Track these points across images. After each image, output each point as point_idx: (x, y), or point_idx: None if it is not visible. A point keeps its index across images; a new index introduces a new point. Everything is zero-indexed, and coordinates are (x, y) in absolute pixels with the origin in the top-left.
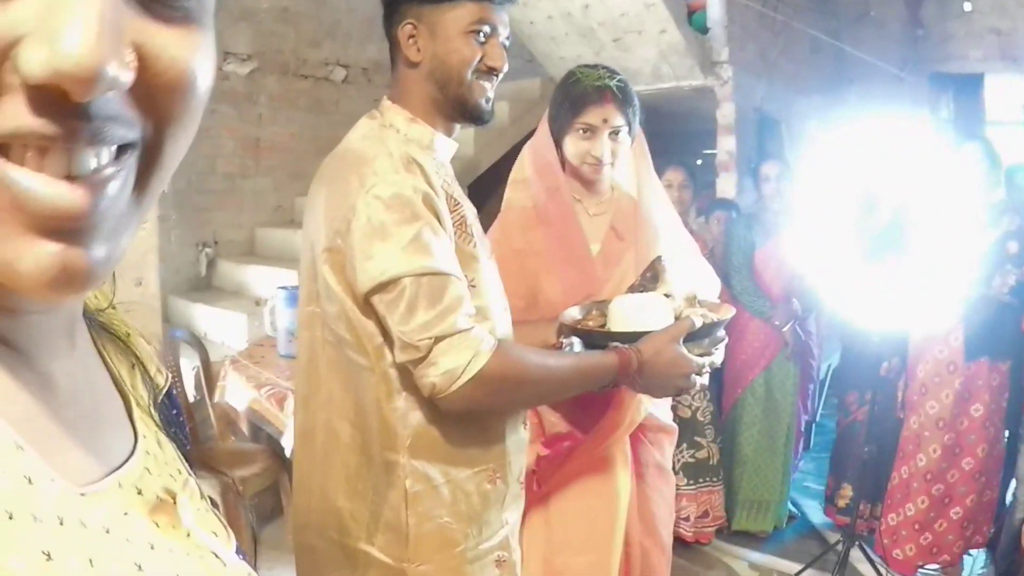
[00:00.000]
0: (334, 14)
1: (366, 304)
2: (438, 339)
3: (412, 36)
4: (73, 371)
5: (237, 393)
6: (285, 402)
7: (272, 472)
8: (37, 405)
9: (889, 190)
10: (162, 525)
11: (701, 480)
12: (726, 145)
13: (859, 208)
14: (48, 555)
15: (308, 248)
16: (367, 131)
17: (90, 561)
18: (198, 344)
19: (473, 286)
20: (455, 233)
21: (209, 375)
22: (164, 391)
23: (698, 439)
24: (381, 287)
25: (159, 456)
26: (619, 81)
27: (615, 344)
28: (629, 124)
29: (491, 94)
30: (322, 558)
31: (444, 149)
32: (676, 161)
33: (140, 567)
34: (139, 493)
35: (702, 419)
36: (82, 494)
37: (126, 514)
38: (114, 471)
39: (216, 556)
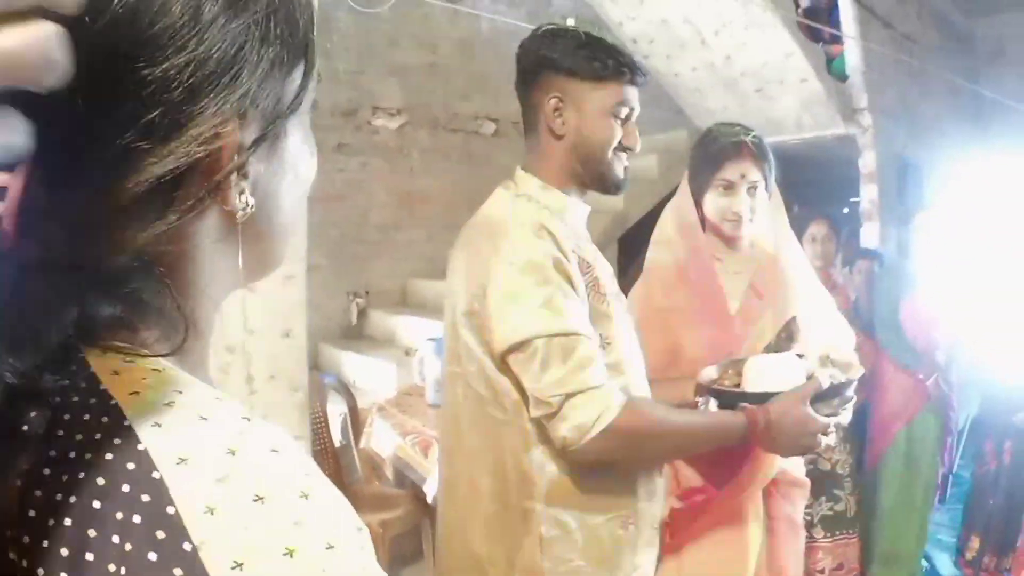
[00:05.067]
0: (482, 67)
1: (503, 363)
2: (569, 395)
3: (558, 109)
4: None
5: (383, 439)
6: (430, 449)
7: (414, 516)
8: None
9: None
10: None
11: (838, 532)
12: (869, 194)
13: (1006, 251)
14: None
15: (450, 311)
16: (502, 202)
17: None
18: (345, 391)
19: (608, 343)
20: (588, 294)
21: (356, 421)
22: None
23: (837, 492)
24: (515, 347)
25: None
26: (755, 136)
27: (743, 404)
28: (766, 179)
29: (627, 165)
30: None
31: (577, 213)
32: (819, 212)
33: None
34: None
35: (841, 472)
36: None
37: None
38: None
39: None
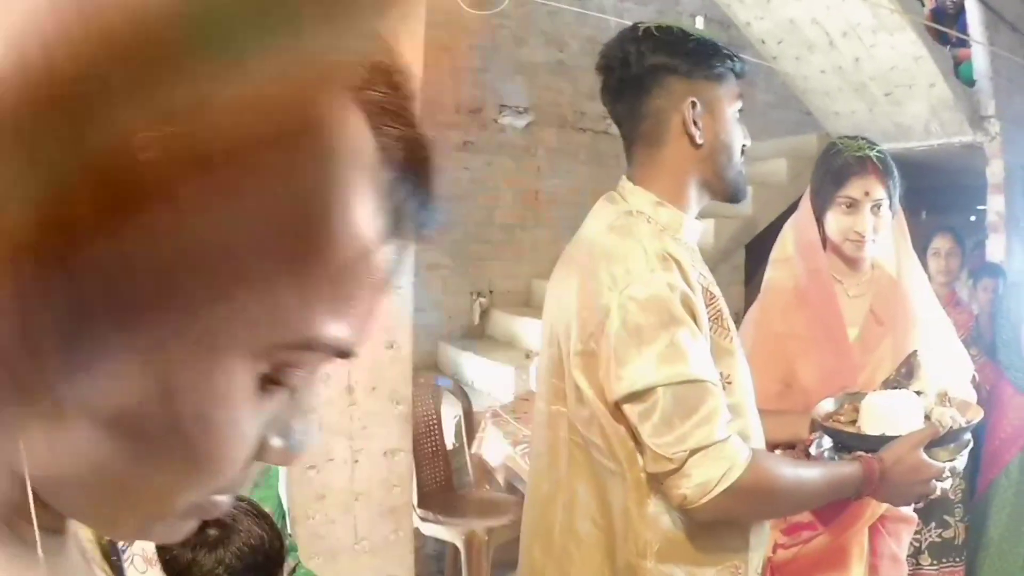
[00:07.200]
0: None
1: (616, 409)
2: (693, 451)
3: (696, 116)
4: None
5: (494, 448)
6: None
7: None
8: None
9: None
10: None
11: (944, 560)
12: (995, 205)
13: None
14: None
15: (552, 343)
16: (613, 219)
17: None
18: (461, 394)
19: (729, 383)
20: (712, 328)
21: (470, 424)
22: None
23: (947, 518)
24: (634, 396)
25: None
26: (879, 152)
27: (859, 453)
28: (891, 197)
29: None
30: None
31: (693, 232)
32: (944, 226)
33: None
34: None
35: (953, 497)
36: None
37: None
38: None
39: None
